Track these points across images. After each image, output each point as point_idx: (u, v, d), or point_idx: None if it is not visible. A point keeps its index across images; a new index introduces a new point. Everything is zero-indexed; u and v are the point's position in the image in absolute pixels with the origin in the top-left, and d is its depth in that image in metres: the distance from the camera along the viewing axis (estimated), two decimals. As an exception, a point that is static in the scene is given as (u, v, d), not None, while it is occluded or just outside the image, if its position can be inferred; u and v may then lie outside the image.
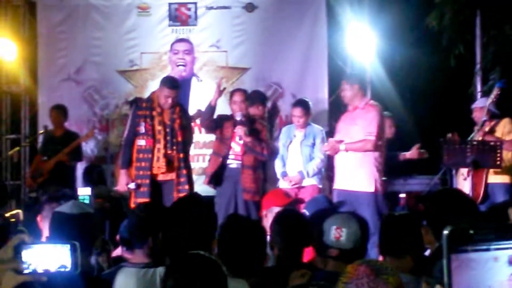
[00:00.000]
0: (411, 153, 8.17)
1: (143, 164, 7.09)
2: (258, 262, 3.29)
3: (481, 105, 7.98)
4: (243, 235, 3.26)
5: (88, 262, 3.40)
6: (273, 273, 3.50)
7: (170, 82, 7.33)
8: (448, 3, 9.91)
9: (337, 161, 7.42)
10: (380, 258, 3.73)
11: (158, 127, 7.11)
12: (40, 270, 1.86)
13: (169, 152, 7.10)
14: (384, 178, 7.30)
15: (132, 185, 7.10)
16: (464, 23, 10.02)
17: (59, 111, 9.13)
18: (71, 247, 1.86)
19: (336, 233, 3.78)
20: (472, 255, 1.64)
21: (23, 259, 1.86)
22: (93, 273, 3.47)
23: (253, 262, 3.23)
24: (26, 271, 1.86)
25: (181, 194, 7.06)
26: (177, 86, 7.33)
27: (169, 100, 7.13)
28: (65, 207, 3.37)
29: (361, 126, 7.24)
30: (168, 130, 7.13)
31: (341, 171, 7.35)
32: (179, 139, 7.16)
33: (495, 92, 7.79)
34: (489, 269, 1.64)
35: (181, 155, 7.17)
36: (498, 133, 7.74)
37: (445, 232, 1.63)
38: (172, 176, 7.14)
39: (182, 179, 7.16)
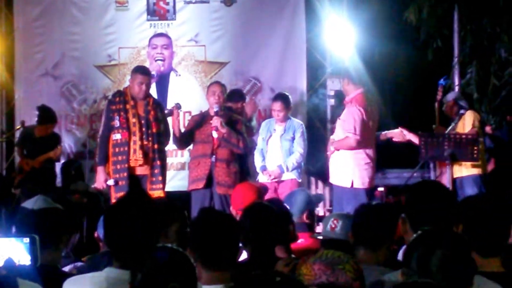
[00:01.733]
0: (394, 133, 7.82)
1: (119, 158, 7.07)
2: (231, 256, 3.27)
3: (450, 98, 8.06)
4: (215, 229, 3.25)
5: (55, 257, 3.35)
6: (247, 268, 3.49)
7: (142, 69, 7.51)
8: (426, -3, 9.98)
9: (332, 156, 7.51)
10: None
11: (133, 120, 7.10)
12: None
13: (145, 143, 7.09)
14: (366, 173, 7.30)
15: (110, 182, 7.07)
16: (441, 17, 10.08)
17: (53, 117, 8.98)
18: (30, 240, 1.84)
19: (332, 224, 4.00)
20: None
21: None
22: (58, 268, 3.41)
23: (226, 256, 3.21)
24: None
25: (154, 186, 7.09)
26: (149, 73, 7.45)
27: (143, 87, 7.15)
28: (30, 203, 3.35)
29: (341, 122, 7.33)
30: (143, 121, 7.12)
31: (330, 166, 7.47)
32: (154, 130, 7.16)
33: (439, 90, 7.95)
34: None
35: (156, 146, 7.16)
36: (459, 127, 7.79)
37: None
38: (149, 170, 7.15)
39: (156, 171, 7.15)
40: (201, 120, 7.64)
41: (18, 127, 9.41)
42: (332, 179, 7.46)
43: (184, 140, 7.69)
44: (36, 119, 8.75)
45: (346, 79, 7.49)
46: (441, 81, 8.17)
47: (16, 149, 9.24)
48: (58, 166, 9.09)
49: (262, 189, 5.76)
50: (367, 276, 2.63)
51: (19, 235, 1.88)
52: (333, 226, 4.06)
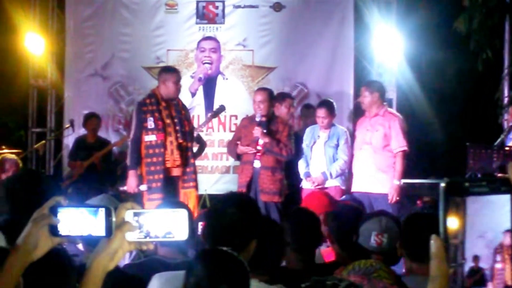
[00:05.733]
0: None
1: (154, 159, 6.98)
2: (273, 260, 3.27)
3: None
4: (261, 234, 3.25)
5: None
6: (287, 272, 3.49)
7: (173, 68, 7.56)
8: (477, 7, 9.82)
9: (356, 164, 7.48)
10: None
11: (167, 120, 7.06)
12: (75, 233, 1.85)
13: (181, 142, 7.08)
14: (403, 181, 7.29)
15: (143, 187, 6.95)
16: (492, 28, 9.94)
17: (98, 120, 9.17)
18: (105, 211, 1.84)
19: (378, 239, 3.84)
20: (492, 197, 1.67)
21: (58, 221, 1.85)
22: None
23: (268, 260, 3.22)
24: (61, 233, 1.84)
25: (186, 185, 7.08)
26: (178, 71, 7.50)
27: (179, 86, 7.18)
28: (95, 200, 3.38)
29: (382, 132, 7.35)
30: (176, 121, 7.11)
31: (360, 174, 7.41)
32: (187, 129, 7.17)
33: None
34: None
35: (189, 145, 7.17)
36: None
37: (442, 184, 1.64)
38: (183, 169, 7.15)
39: (190, 169, 7.14)
40: (249, 126, 7.63)
41: (67, 126, 9.54)
42: (365, 187, 7.41)
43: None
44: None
45: (378, 93, 7.47)
46: None
47: (68, 161, 9.30)
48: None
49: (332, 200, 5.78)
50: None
51: (92, 206, 1.87)
52: (379, 241, 3.90)
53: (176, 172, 7.08)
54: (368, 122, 7.49)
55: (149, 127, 6.98)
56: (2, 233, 2.64)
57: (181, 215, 1.85)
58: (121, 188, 7.03)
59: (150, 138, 7.00)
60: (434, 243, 1.67)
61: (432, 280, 1.66)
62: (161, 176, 6.94)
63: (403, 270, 3.51)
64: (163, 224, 1.84)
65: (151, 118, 7.00)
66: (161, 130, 6.98)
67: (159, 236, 1.85)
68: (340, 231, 4.17)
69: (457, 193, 1.66)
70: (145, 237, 1.85)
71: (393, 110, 7.75)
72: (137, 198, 6.89)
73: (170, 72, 7.26)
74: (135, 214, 1.86)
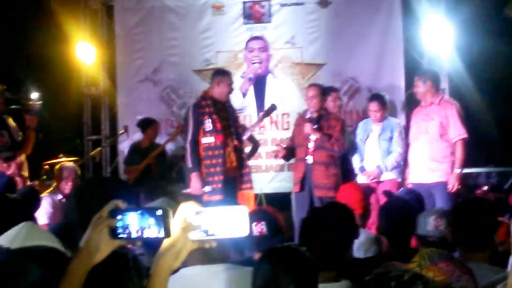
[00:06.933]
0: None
1: (213, 161, 7.06)
2: (340, 255, 3.25)
3: None
4: (324, 229, 3.25)
5: None
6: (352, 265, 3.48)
7: (226, 70, 7.66)
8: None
9: (412, 155, 7.42)
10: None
11: (223, 122, 7.14)
12: (134, 235, 1.88)
13: (235, 143, 7.14)
14: (460, 170, 7.20)
15: (207, 188, 7.03)
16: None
17: (158, 125, 9.24)
18: (163, 212, 1.87)
19: (436, 222, 3.96)
20: None
21: (118, 224, 1.88)
22: None
23: (335, 255, 3.20)
24: (121, 236, 1.88)
25: (244, 186, 7.14)
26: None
27: (232, 88, 7.26)
28: (154, 204, 3.40)
29: (438, 121, 7.26)
30: (231, 122, 7.17)
31: (416, 165, 7.34)
32: (240, 130, 7.24)
33: None
34: None
35: (243, 146, 7.24)
36: None
37: None
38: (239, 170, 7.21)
39: (246, 170, 7.24)
40: (300, 124, 7.63)
41: (121, 131, 9.65)
42: (423, 178, 7.34)
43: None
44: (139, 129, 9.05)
45: (431, 81, 7.38)
46: None
47: (124, 167, 9.40)
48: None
49: (367, 189, 5.79)
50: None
51: (149, 209, 1.90)
52: (436, 224, 3.99)
53: (233, 173, 7.14)
54: (424, 111, 7.42)
55: (207, 129, 7.08)
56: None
57: (241, 212, 1.87)
58: (184, 191, 7.06)
59: (208, 140, 7.10)
60: None
61: None
62: (221, 177, 7.03)
63: None
64: (223, 221, 1.87)
65: (209, 120, 7.09)
66: (219, 132, 7.07)
67: (220, 234, 1.88)
68: (389, 225, 4.16)
69: None
70: (207, 235, 1.88)
71: (450, 98, 7.64)
72: (198, 200, 6.92)
73: (225, 74, 7.37)
74: (197, 213, 1.90)
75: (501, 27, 10.74)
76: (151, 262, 3.14)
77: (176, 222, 1.89)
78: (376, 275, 1.49)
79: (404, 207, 4.53)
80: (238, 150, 7.20)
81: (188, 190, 7.15)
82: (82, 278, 1.87)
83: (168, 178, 9.06)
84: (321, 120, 7.47)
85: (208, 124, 7.08)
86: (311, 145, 7.44)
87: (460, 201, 3.85)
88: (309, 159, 7.44)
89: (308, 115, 7.47)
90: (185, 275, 2.93)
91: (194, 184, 7.10)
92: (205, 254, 2.85)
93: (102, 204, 1.91)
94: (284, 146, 7.83)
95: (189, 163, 7.17)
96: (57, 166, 7.66)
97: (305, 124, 7.41)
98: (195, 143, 7.13)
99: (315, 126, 7.36)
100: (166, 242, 1.91)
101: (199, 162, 7.11)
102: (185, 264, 2.98)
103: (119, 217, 1.88)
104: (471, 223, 3.45)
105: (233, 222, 1.87)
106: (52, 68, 11.50)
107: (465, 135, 7.21)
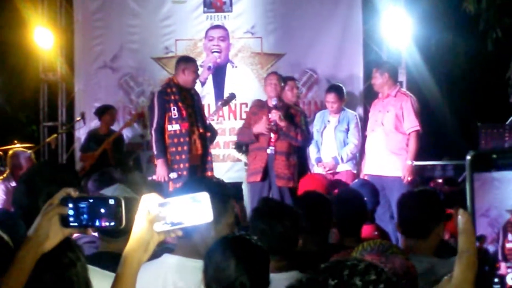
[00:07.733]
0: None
1: (179, 148, 7.07)
2: (290, 245, 3.29)
3: None
4: (274, 219, 3.27)
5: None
6: (301, 256, 3.51)
7: (191, 57, 7.67)
8: (486, -14, 9.79)
9: (368, 146, 7.47)
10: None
11: (189, 110, 7.14)
12: (86, 224, 1.87)
13: (201, 131, 7.15)
14: (414, 163, 7.27)
15: (173, 175, 7.03)
16: (501, 7, 9.88)
17: (115, 112, 9.17)
18: (115, 202, 1.87)
19: None
20: (495, 174, 1.62)
21: (69, 212, 1.86)
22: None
23: (285, 245, 3.23)
24: (72, 224, 1.86)
25: (205, 174, 7.15)
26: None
27: (197, 75, 7.26)
28: (108, 191, 3.36)
29: (393, 113, 7.31)
30: (196, 109, 7.18)
31: (372, 157, 7.38)
32: (205, 118, 7.24)
33: None
34: None
35: (207, 134, 7.24)
36: None
37: (468, 157, 1.61)
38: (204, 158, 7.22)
39: (209, 158, 7.26)
40: (258, 112, 7.62)
41: (78, 118, 9.57)
42: (377, 170, 7.38)
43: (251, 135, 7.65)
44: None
45: (388, 73, 7.43)
46: None
47: (80, 154, 9.27)
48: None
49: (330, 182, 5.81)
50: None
51: (102, 198, 1.89)
52: None
53: (197, 161, 7.16)
54: (381, 103, 7.48)
55: (173, 116, 7.06)
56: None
57: (203, 199, 1.87)
58: (150, 178, 7.06)
59: (173, 127, 7.09)
60: (461, 218, 1.61)
61: (460, 255, 1.61)
62: (187, 165, 7.06)
63: None
64: (187, 210, 1.87)
65: (175, 107, 7.07)
66: (185, 119, 7.08)
67: (184, 222, 1.88)
68: (340, 215, 4.20)
69: (483, 166, 1.64)
70: (172, 225, 1.89)
71: (406, 91, 7.70)
72: (163, 187, 6.93)
73: (190, 61, 7.36)
74: (160, 205, 1.89)
75: (459, 21, 10.85)
76: (105, 247, 3.13)
77: (140, 215, 1.88)
78: (332, 263, 1.51)
79: (356, 198, 4.58)
80: (203, 138, 7.19)
81: (154, 177, 7.16)
82: (30, 267, 1.84)
83: (125, 165, 9.02)
84: (283, 109, 7.49)
85: (173, 112, 7.08)
86: (273, 134, 7.43)
87: (406, 192, 3.92)
88: (270, 148, 7.45)
89: (274, 102, 7.45)
90: (167, 262, 2.94)
91: (160, 171, 7.09)
92: (194, 249, 2.85)
93: (51, 189, 1.89)
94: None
95: (155, 150, 7.17)
96: (10, 152, 7.57)
97: (272, 112, 7.39)
98: (161, 130, 7.12)
99: (280, 113, 7.35)
100: (133, 236, 1.90)
101: (165, 149, 7.11)
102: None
103: (70, 205, 1.86)
104: (410, 211, 3.62)
105: (197, 209, 1.86)
106: (9, 53, 11.36)
107: (418, 127, 7.26)
